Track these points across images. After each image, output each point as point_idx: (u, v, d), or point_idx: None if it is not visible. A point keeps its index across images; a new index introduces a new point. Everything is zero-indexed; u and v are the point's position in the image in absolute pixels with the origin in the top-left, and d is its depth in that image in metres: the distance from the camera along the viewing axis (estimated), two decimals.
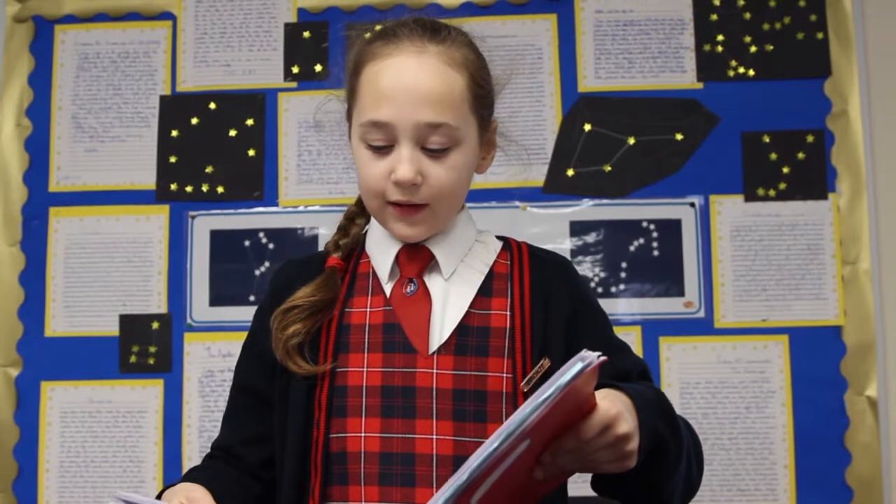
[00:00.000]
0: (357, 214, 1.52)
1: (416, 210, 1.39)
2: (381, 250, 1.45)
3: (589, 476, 1.32)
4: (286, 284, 1.46)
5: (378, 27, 1.44)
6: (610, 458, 1.19)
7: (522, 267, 1.45)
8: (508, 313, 1.40)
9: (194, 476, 1.39)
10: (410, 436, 1.33)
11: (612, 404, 1.18)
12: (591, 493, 1.38)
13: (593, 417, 1.16)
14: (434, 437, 1.33)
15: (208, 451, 1.51)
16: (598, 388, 1.18)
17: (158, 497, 1.30)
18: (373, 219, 1.47)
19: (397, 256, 1.43)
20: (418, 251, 1.43)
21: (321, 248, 1.80)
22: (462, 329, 1.38)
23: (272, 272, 2.01)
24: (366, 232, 1.51)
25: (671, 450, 1.29)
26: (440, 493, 1.03)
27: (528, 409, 1.05)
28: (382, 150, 1.37)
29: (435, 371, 1.36)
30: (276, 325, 1.40)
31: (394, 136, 1.35)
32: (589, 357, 1.08)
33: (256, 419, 1.46)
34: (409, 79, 1.35)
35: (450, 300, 1.40)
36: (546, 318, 1.40)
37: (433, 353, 1.36)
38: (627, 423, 1.18)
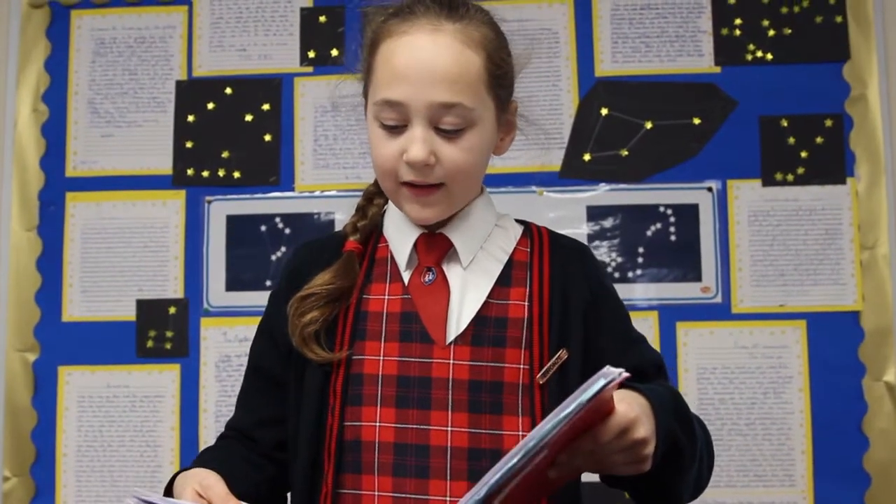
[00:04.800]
0: (375, 195, 1.49)
1: (431, 191, 1.37)
2: (400, 237, 1.44)
3: None
4: (302, 268, 1.45)
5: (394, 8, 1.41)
6: (625, 461, 1.19)
7: (542, 255, 1.43)
8: (527, 303, 1.39)
9: (207, 458, 1.39)
10: (425, 427, 1.33)
11: (629, 408, 1.17)
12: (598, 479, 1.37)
13: (611, 421, 1.15)
14: (449, 428, 1.33)
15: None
16: None
17: (171, 480, 1.31)
18: (391, 202, 1.45)
19: (416, 244, 1.42)
20: (437, 239, 1.42)
21: None
22: (479, 320, 1.37)
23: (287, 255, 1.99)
24: (384, 214, 1.49)
25: (686, 452, 1.28)
26: None
27: (548, 426, 1.04)
28: (396, 130, 1.35)
29: (451, 362, 1.35)
30: (293, 311, 1.39)
31: (407, 115, 1.33)
32: (611, 374, 1.07)
33: (270, 401, 1.45)
34: (423, 58, 1.33)
35: (468, 290, 1.39)
36: (564, 309, 1.39)
37: (450, 344, 1.35)
38: (645, 427, 1.18)
